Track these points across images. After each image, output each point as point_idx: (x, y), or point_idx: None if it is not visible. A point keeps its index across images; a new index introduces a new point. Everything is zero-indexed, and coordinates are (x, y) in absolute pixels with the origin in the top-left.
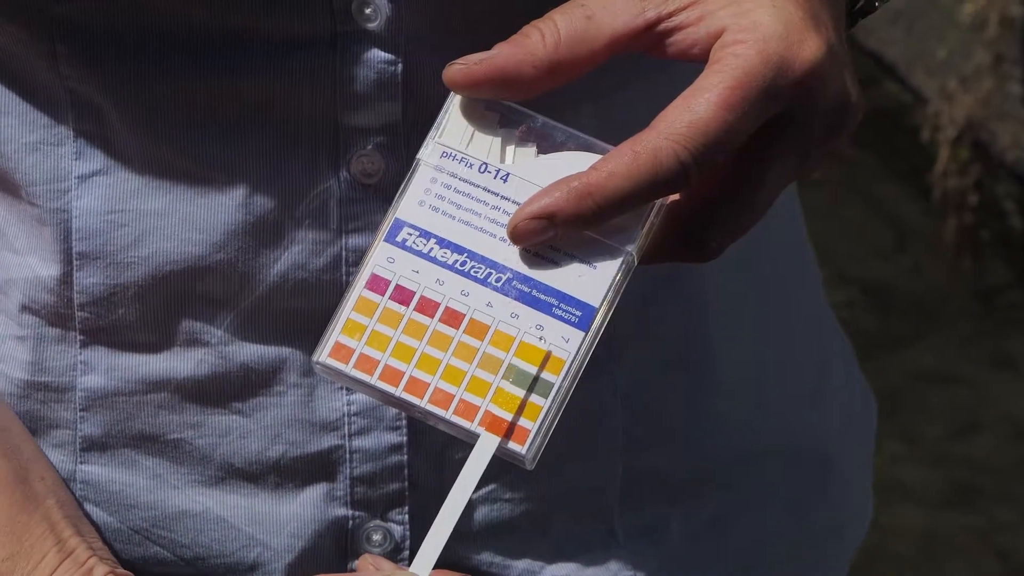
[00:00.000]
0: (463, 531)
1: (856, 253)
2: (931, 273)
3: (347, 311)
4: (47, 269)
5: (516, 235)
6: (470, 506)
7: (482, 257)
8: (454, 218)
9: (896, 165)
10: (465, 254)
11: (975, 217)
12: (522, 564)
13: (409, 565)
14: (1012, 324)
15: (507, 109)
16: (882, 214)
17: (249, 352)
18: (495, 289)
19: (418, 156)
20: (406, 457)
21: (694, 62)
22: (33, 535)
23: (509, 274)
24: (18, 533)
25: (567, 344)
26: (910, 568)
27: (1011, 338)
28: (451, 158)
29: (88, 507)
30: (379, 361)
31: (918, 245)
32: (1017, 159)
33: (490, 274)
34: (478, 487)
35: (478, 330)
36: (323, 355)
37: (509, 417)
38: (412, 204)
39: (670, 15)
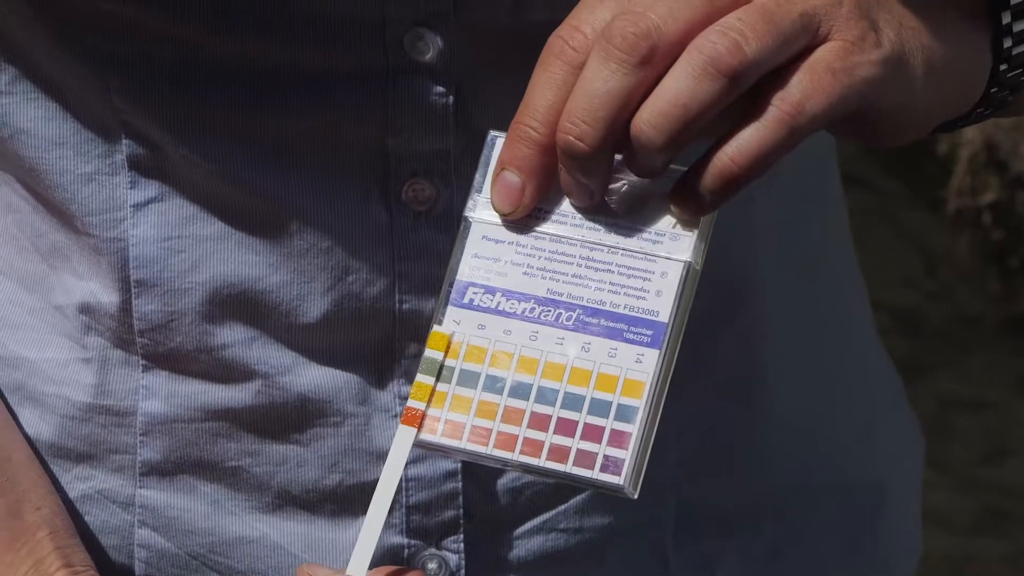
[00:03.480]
0: (517, 560)
1: (885, 279)
2: (959, 299)
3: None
4: (107, 295)
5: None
6: (525, 535)
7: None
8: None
9: (924, 192)
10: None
11: (1001, 241)
12: None
13: None
14: None
15: None
16: (910, 240)
17: (306, 382)
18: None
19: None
20: (460, 484)
21: None
22: (17, 574)
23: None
24: (1, 573)
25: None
26: None
27: None
28: None
29: (145, 532)
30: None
31: (946, 271)
32: None
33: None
34: (533, 516)
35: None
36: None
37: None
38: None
39: None
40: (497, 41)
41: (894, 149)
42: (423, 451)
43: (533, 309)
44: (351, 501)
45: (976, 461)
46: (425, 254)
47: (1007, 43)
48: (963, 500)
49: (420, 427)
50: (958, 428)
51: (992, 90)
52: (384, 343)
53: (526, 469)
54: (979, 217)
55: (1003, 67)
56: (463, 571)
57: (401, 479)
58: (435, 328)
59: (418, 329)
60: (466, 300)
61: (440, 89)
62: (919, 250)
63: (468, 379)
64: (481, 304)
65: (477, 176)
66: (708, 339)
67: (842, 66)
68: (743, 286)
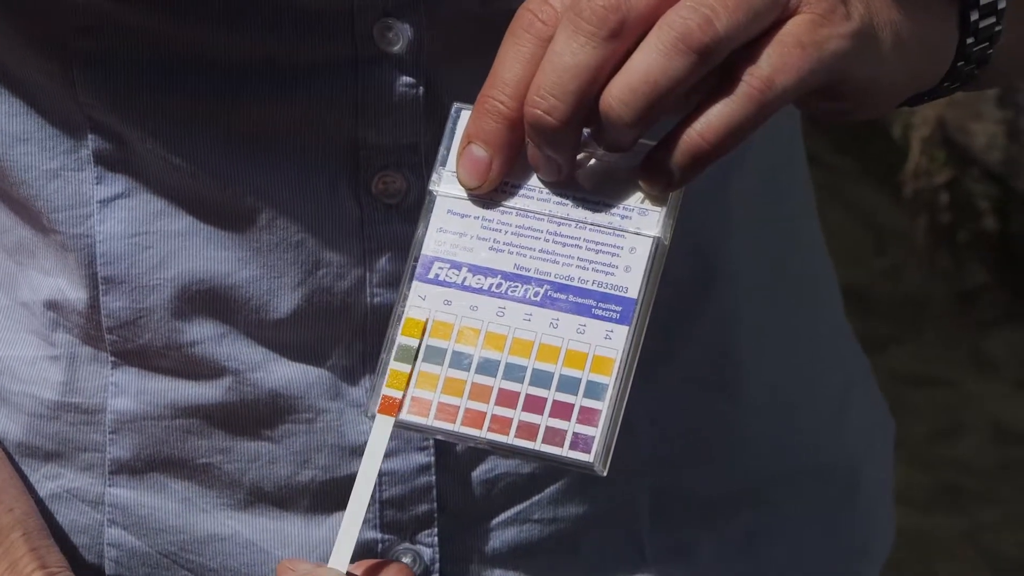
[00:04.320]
0: (492, 552)
1: (835, 257)
2: (910, 275)
3: (389, 361)
4: (75, 292)
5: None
6: (499, 527)
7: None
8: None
9: (874, 169)
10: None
11: (952, 218)
12: None
13: None
14: (991, 325)
15: None
16: (860, 218)
17: (277, 378)
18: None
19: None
20: (434, 478)
21: None
22: None
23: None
24: None
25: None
26: (899, 570)
27: (990, 339)
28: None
29: (115, 531)
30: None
31: (897, 248)
32: (993, 159)
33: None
34: (507, 507)
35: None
36: (375, 407)
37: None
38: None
39: None
40: (467, 30)
41: (844, 127)
42: (396, 444)
43: (500, 284)
44: (324, 497)
45: (930, 438)
46: (396, 247)
47: (974, 16)
48: (918, 477)
49: (383, 409)
50: (911, 405)
51: (959, 64)
52: (356, 337)
53: (494, 447)
54: (936, 197)
55: (970, 40)
56: (437, 565)
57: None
58: (409, 315)
59: (390, 323)
60: (431, 275)
61: (410, 80)
62: (869, 228)
63: (434, 355)
64: (447, 279)
65: (441, 149)
66: (680, 323)
67: (811, 40)
68: (715, 268)
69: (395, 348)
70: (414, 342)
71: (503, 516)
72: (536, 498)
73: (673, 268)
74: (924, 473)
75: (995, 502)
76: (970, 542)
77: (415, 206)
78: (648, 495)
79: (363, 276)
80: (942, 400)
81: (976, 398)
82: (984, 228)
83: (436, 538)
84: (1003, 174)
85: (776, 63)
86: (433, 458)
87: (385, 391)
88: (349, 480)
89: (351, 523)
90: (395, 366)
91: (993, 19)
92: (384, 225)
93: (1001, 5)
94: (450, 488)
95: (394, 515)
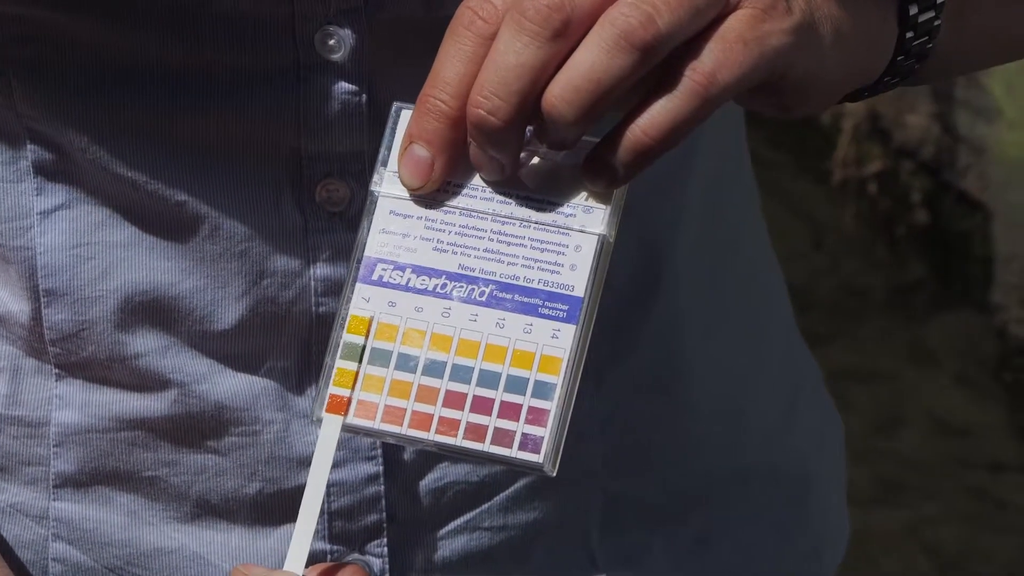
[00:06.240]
0: (442, 561)
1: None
2: (847, 270)
3: (335, 361)
4: (17, 304)
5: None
6: (449, 535)
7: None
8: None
9: (809, 164)
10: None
11: (887, 210)
12: None
13: None
14: (929, 318)
15: None
16: (797, 213)
17: (222, 390)
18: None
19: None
20: (383, 488)
21: None
22: None
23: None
24: None
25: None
26: (841, 566)
27: (929, 332)
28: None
29: (60, 546)
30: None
31: (834, 243)
32: (926, 153)
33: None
34: (456, 516)
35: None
36: (321, 410)
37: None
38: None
39: None
40: (410, 37)
41: (779, 122)
42: (343, 454)
43: (445, 285)
44: (271, 509)
45: (871, 432)
46: (341, 256)
47: (913, 10)
48: (859, 472)
49: (330, 408)
50: (851, 400)
51: (899, 58)
52: (301, 347)
53: (442, 449)
54: (864, 187)
55: (909, 35)
56: (387, 575)
57: None
58: (354, 313)
59: (333, 327)
60: (375, 277)
61: (352, 88)
62: (806, 222)
63: (380, 358)
64: (391, 281)
65: (382, 150)
66: (627, 325)
67: (753, 35)
68: (662, 268)
69: (340, 346)
70: (360, 340)
71: (453, 524)
72: (485, 506)
73: (620, 269)
74: (865, 468)
75: (936, 496)
76: (913, 536)
77: (359, 214)
78: (598, 501)
79: (307, 285)
80: (881, 394)
81: (915, 391)
82: (918, 221)
83: (385, 548)
84: (936, 167)
85: (718, 58)
86: (381, 467)
87: (332, 390)
88: (296, 492)
89: (305, 526)
90: (341, 364)
91: (932, 13)
92: (328, 233)
93: None
94: (399, 497)
95: (343, 526)
